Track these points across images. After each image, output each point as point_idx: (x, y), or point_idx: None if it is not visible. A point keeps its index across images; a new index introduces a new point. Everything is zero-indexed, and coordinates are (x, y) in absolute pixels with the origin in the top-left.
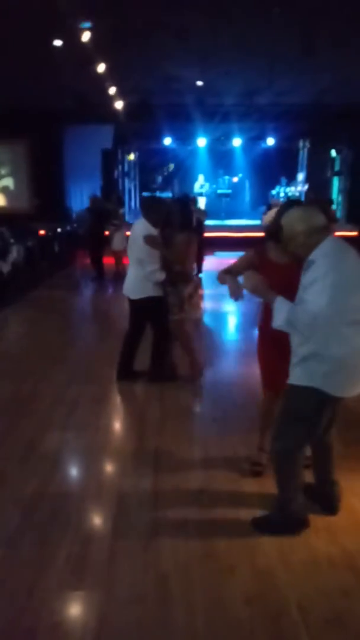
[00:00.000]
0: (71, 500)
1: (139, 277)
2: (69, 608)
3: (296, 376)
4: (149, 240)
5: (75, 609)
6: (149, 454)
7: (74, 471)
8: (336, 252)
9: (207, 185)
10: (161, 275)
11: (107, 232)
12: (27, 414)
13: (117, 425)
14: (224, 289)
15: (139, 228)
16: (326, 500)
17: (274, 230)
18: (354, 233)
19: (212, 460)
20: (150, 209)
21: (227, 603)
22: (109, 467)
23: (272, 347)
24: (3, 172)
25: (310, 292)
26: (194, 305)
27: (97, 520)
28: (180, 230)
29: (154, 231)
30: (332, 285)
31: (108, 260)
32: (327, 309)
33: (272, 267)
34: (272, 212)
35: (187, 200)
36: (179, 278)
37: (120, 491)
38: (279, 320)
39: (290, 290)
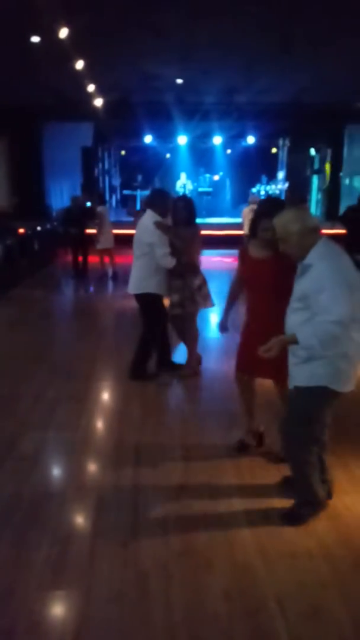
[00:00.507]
0: (51, 500)
1: (144, 272)
2: (48, 608)
3: (303, 377)
4: (159, 224)
5: (54, 609)
6: (129, 451)
7: (54, 471)
8: (332, 254)
9: (189, 184)
10: (172, 261)
11: (93, 231)
12: (7, 415)
13: (98, 424)
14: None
15: (147, 218)
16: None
17: (251, 227)
18: (342, 231)
19: (192, 456)
20: (157, 200)
21: (206, 599)
22: (89, 466)
23: (256, 336)
24: None
25: (324, 300)
26: (203, 296)
27: (77, 519)
28: (185, 226)
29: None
30: (343, 288)
31: (93, 260)
32: (349, 313)
33: (250, 262)
34: (251, 207)
35: (190, 197)
36: (188, 269)
37: (100, 490)
38: (314, 344)
39: (263, 280)
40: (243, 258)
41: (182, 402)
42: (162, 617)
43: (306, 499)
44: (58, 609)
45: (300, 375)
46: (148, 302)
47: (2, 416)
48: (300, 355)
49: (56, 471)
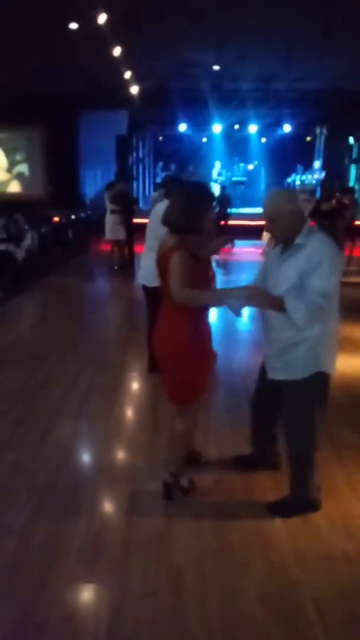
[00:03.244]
0: (84, 490)
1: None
2: (82, 601)
3: (299, 369)
4: None
5: (88, 602)
6: (162, 444)
7: (87, 461)
8: (322, 235)
9: (223, 173)
10: None
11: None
12: (40, 402)
13: (130, 415)
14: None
15: (162, 207)
16: (270, 458)
17: (183, 221)
18: None
19: (225, 452)
20: (173, 188)
21: (242, 600)
22: (122, 456)
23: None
24: (18, 158)
25: (316, 274)
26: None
27: (110, 511)
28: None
29: None
30: (335, 267)
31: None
32: (332, 287)
33: (202, 263)
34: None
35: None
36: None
37: (133, 481)
38: (300, 318)
39: (209, 283)
40: (196, 259)
41: (214, 396)
42: (197, 617)
43: (302, 498)
44: (91, 603)
45: (295, 367)
46: (159, 295)
47: (36, 403)
48: (282, 339)
49: (89, 461)
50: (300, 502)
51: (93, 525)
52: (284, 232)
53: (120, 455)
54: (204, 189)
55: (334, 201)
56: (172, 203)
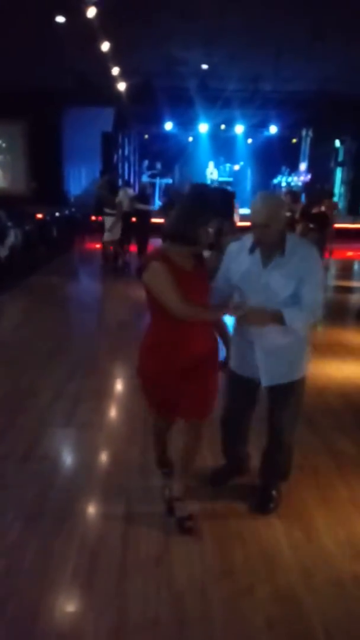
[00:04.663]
0: (75, 506)
1: None
2: (78, 633)
3: (300, 369)
4: None
5: (85, 632)
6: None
7: (77, 474)
8: (312, 245)
9: (216, 173)
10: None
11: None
12: (25, 411)
13: (121, 423)
14: None
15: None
16: (240, 467)
17: (180, 230)
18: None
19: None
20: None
21: (248, 626)
22: (115, 470)
23: (172, 365)
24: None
25: (311, 285)
26: None
27: (104, 528)
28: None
29: None
30: (322, 274)
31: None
32: (322, 292)
33: (185, 276)
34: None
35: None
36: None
37: (128, 498)
38: (300, 326)
39: (201, 298)
40: (175, 272)
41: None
42: None
43: (279, 484)
44: (89, 633)
45: (297, 368)
46: None
47: (21, 412)
48: (292, 350)
49: (80, 474)
50: (277, 492)
51: (86, 545)
52: (272, 239)
53: (113, 467)
54: (203, 200)
55: (323, 207)
56: (174, 212)
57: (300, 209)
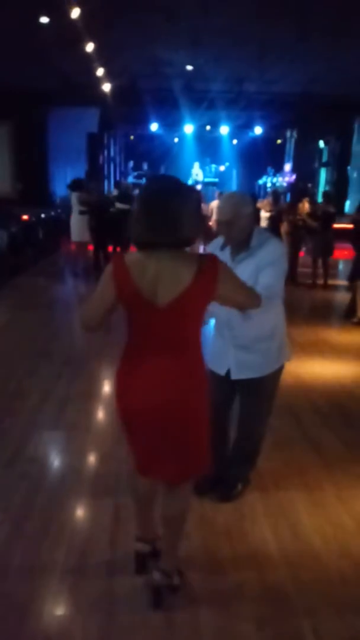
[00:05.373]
0: (64, 508)
1: None
2: (67, 632)
3: (271, 365)
4: None
5: (74, 634)
6: None
7: (66, 475)
8: (279, 241)
9: (201, 173)
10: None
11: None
12: (13, 414)
13: (110, 425)
14: None
15: None
16: (225, 485)
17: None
18: (350, 226)
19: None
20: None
21: (237, 625)
22: (104, 472)
23: (153, 420)
24: None
25: (268, 268)
26: None
27: (92, 530)
28: None
29: None
30: (284, 266)
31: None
32: (280, 282)
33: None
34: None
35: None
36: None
37: (116, 499)
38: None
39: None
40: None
41: None
42: None
43: (247, 475)
44: (78, 637)
45: (265, 364)
46: None
47: (9, 414)
48: (261, 345)
49: (68, 475)
50: (247, 479)
51: (75, 547)
52: (239, 235)
53: (102, 469)
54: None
55: (331, 208)
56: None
57: (285, 208)
